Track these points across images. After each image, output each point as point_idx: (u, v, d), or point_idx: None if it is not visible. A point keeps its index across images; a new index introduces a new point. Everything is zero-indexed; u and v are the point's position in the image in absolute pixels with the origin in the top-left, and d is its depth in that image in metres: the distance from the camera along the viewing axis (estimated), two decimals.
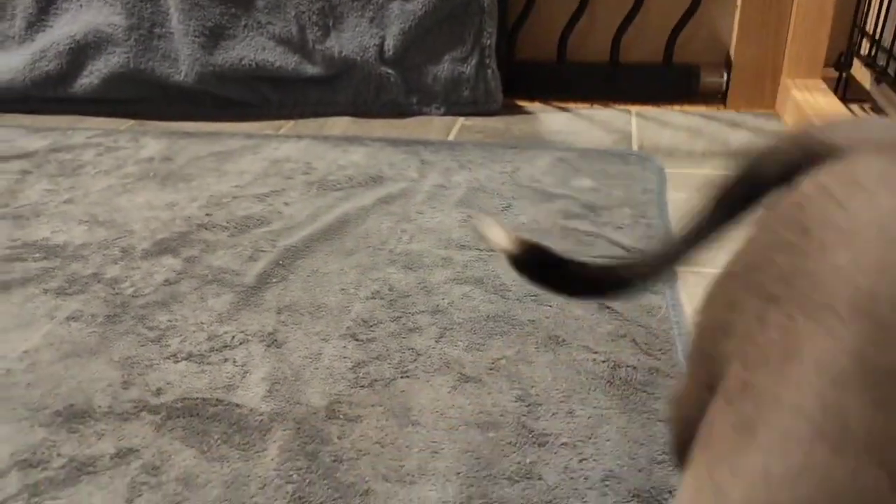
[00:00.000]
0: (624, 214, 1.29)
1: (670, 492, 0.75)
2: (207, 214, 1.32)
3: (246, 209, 1.34)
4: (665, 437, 0.81)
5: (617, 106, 1.85)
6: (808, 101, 1.60)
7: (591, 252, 1.17)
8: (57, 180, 1.48)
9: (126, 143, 1.65)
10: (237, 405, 0.88)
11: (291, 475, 0.78)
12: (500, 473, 0.78)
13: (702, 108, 1.82)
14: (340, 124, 1.77)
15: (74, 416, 0.87)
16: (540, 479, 0.77)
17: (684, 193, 1.37)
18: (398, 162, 1.52)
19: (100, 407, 0.88)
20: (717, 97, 1.86)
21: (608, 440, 0.82)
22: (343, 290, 1.10)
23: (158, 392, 0.90)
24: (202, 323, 1.03)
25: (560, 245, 1.19)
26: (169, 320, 1.04)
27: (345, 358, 0.95)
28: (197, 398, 0.89)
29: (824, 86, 1.69)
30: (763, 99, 1.78)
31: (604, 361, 0.94)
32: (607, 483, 0.76)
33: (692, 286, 1.08)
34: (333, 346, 0.98)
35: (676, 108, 1.83)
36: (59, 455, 0.81)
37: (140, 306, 1.07)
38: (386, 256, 1.18)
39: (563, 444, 0.82)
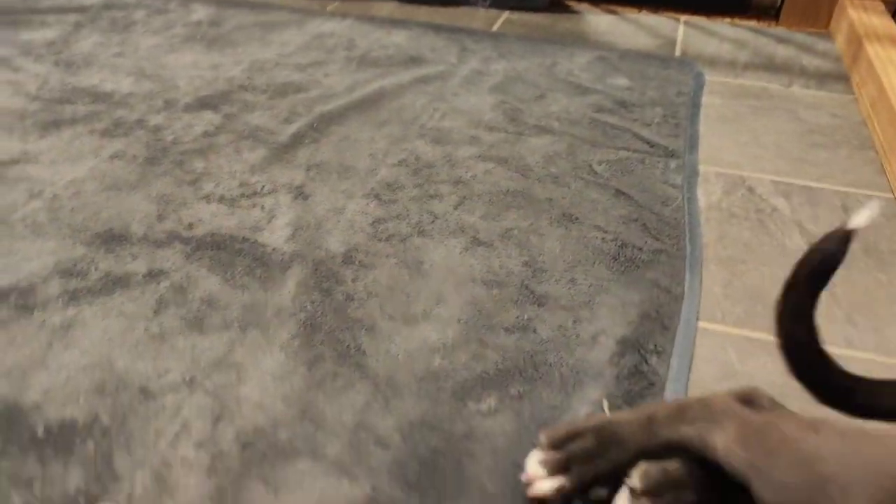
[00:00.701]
0: (655, 113, 1.29)
1: (655, 345, 0.79)
2: (248, 77, 1.36)
3: (286, 76, 1.38)
4: (657, 298, 0.85)
5: (666, 13, 1.82)
6: (863, 21, 1.56)
7: (615, 143, 1.19)
8: (108, 35, 1.52)
9: (175, 8, 1.68)
10: (261, 244, 0.94)
11: (305, 306, 0.84)
12: (498, 324, 0.83)
13: (753, 23, 1.78)
14: (387, 8, 1.77)
15: (112, 239, 0.93)
16: (535, 332, 0.82)
17: (720, 99, 1.37)
18: (439, 47, 1.53)
19: (136, 234, 0.95)
20: (770, 13, 1.81)
21: (604, 306, 0.86)
22: (371, 155, 1.14)
23: (190, 227, 0.96)
24: (235, 172, 1.08)
25: (586, 133, 1.21)
26: (204, 167, 1.09)
27: (366, 214, 1.00)
28: (225, 235, 0.95)
29: (883, 8, 1.64)
30: (818, 18, 1.74)
31: (612, 240, 0.97)
32: (597, 338, 0.81)
33: (712, 183, 1.10)
34: (357, 203, 1.03)
35: (727, 20, 1.79)
36: (96, 269, 0.88)
37: (179, 152, 1.12)
38: (416, 130, 1.21)
39: (561, 306, 0.86)
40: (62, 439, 0.67)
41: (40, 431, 0.68)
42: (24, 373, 0.74)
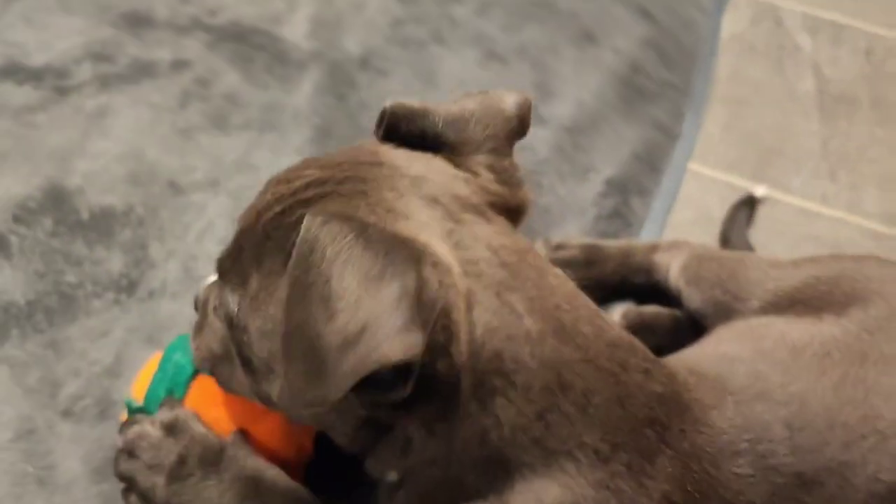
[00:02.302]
0: None
1: (640, 186, 0.85)
2: None
3: None
4: (653, 138, 0.90)
5: None
6: None
7: None
8: None
9: None
10: (281, 39, 0.96)
11: (320, 110, 0.89)
12: None
13: None
14: None
15: (138, 22, 0.95)
16: (532, 150, 0.87)
17: None
18: None
19: (160, 16, 0.96)
20: None
21: (602, 137, 0.91)
22: None
23: (212, 13, 0.98)
24: None
25: None
26: None
27: (386, 12, 1.01)
28: (246, 26, 0.97)
29: None
30: None
31: (627, 65, 0.98)
32: (587, 174, 0.87)
33: (741, 10, 1.08)
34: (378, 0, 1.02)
35: None
36: (124, 54, 0.92)
37: None
38: None
39: (564, 127, 0.91)
40: (104, 224, 0.77)
41: (85, 216, 0.77)
42: (65, 156, 0.82)
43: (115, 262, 0.74)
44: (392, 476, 0.48)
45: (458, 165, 0.49)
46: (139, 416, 0.55)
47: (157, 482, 0.52)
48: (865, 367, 0.51)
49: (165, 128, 0.86)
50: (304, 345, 0.38)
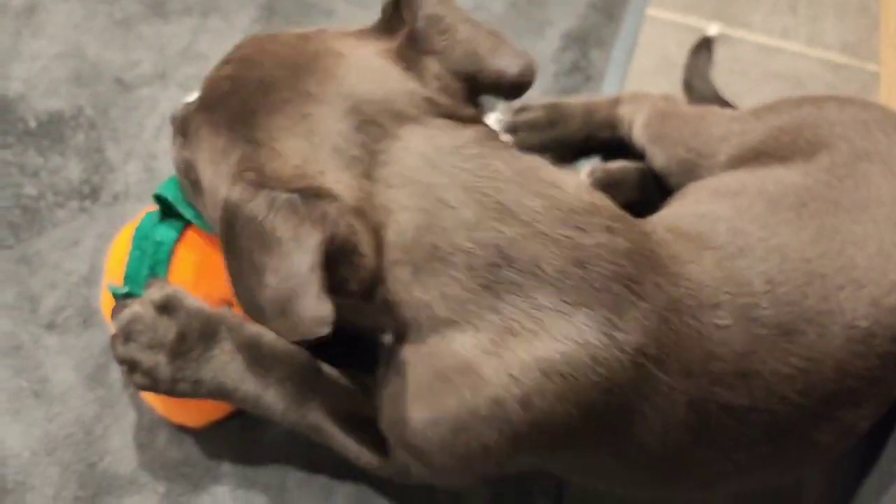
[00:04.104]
0: None
1: (598, 38, 0.84)
2: None
3: None
4: None
5: None
6: None
7: None
8: None
9: None
10: None
11: None
12: None
13: None
14: None
15: None
16: (487, 9, 0.85)
17: None
18: None
19: None
20: None
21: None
22: None
23: None
24: None
25: None
26: None
27: None
28: None
29: None
30: None
31: None
32: (543, 29, 0.85)
33: None
34: None
35: None
36: None
37: None
38: None
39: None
40: (54, 130, 0.75)
41: (33, 123, 0.75)
42: (1, 62, 0.78)
43: (72, 170, 0.73)
44: (387, 337, 0.50)
45: (409, 62, 0.49)
46: (128, 300, 0.55)
47: (159, 360, 0.54)
48: (839, 216, 0.52)
49: (102, 20, 0.82)
50: (246, 295, 0.44)
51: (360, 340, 0.55)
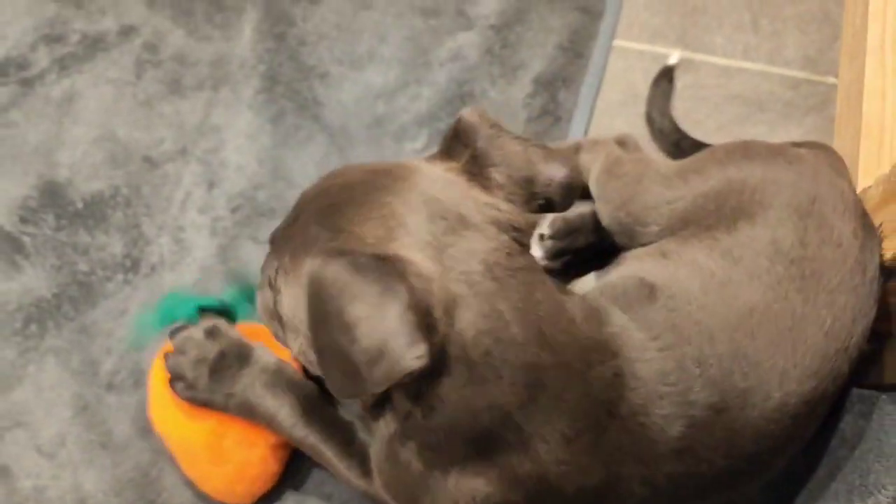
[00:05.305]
0: None
1: (566, 78, 0.91)
2: None
3: None
4: (575, 22, 0.93)
5: None
6: None
7: None
8: None
9: None
10: None
11: (263, 56, 0.95)
12: (434, 59, 0.94)
13: None
14: None
15: None
16: (463, 58, 0.93)
17: None
18: None
19: None
20: None
21: (528, 27, 0.94)
22: None
23: None
24: None
25: None
26: None
27: None
28: None
29: None
30: None
31: None
32: (516, 73, 0.92)
33: None
34: None
35: None
36: (73, 31, 0.97)
37: None
38: None
39: (491, 25, 0.95)
40: (97, 210, 0.88)
41: (80, 205, 0.88)
42: (48, 150, 0.91)
43: (115, 245, 0.86)
44: (390, 427, 0.57)
45: (474, 176, 0.57)
46: (184, 324, 0.69)
47: (201, 373, 0.67)
48: (755, 291, 0.57)
49: (128, 102, 0.93)
50: (336, 360, 0.49)
51: None
